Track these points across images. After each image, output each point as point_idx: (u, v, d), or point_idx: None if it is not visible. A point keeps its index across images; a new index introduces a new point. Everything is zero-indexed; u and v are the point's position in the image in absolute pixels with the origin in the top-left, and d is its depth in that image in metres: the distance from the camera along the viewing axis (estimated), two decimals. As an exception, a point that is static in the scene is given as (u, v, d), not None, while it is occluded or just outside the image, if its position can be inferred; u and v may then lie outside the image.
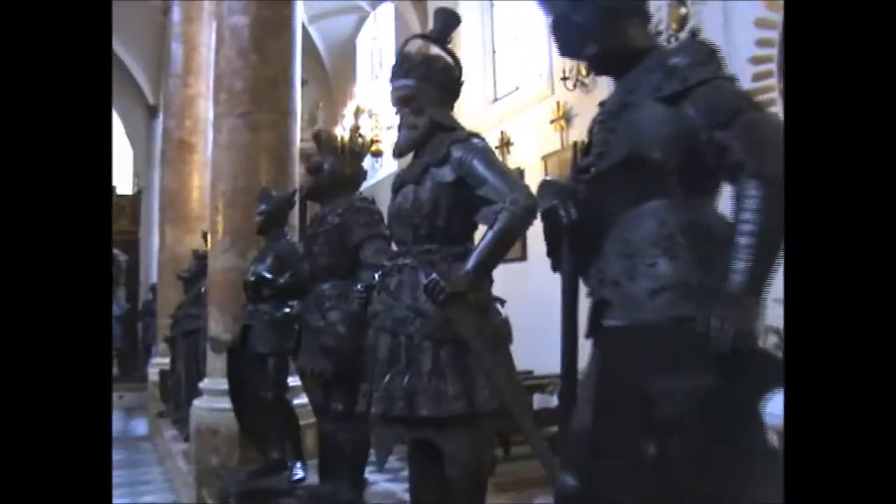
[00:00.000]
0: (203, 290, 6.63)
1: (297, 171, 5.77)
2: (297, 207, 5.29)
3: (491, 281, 2.73)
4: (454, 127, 2.86)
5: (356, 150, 3.89)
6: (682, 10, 6.56)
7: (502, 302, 2.76)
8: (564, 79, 8.16)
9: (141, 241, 17.82)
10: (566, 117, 8.25)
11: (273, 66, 5.74)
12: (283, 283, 4.49)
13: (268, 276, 4.54)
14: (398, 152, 2.91)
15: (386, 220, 2.92)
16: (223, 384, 5.13)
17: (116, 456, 8.12)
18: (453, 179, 2.71)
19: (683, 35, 6.49)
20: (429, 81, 2.84)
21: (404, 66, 2.86)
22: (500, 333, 2.71)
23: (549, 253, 2.03)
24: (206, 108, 9.68)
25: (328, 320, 3.68)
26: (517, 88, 9.50)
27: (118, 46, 15.48)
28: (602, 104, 2.07)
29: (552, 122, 8.37)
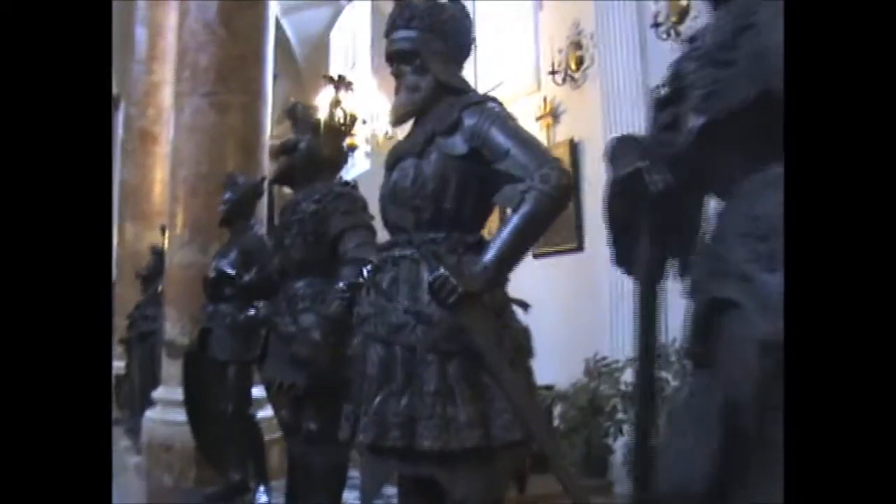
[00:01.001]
0: (161, 288, 6.19)
1: (267, 158, 5.27)
2: (264, 197, 4.80)
3: (506, 279, 2.20)
4: (464, 89, 2.35)
5: (337, 128, 3.36)
6: (683, 2, 6.27)
7: (524, 305, 2.22)
8: (553, 73, 7.76)
9: (101, 238, 17.23)
10: (553, 114, 7.82)
11: (242, 43, 5.26)
12: (248, 280, 4.02)
13: (230, 271, 4.05)
14: (395, 118, 2.38)
15: (378, 201, 2.38)
16: (179, 394, 4.63)
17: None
18: (466, 151, 2.18)
19: (684, 28, 6.24)
20: (435, 33, 2.32)
21: (405, 14, 2.33)
22: (520, 344, 2.18)
23: (617, 238, 1.50)
24: (171, 97, 9.24)
25: (301, 325, 3.14)
26: (501, 83, 9.03)
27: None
28: (692, 39, 1.55)
29: (538, 118, 7.90)
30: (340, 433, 2.26)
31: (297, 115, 3.45)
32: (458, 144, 2.20)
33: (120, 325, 9.68)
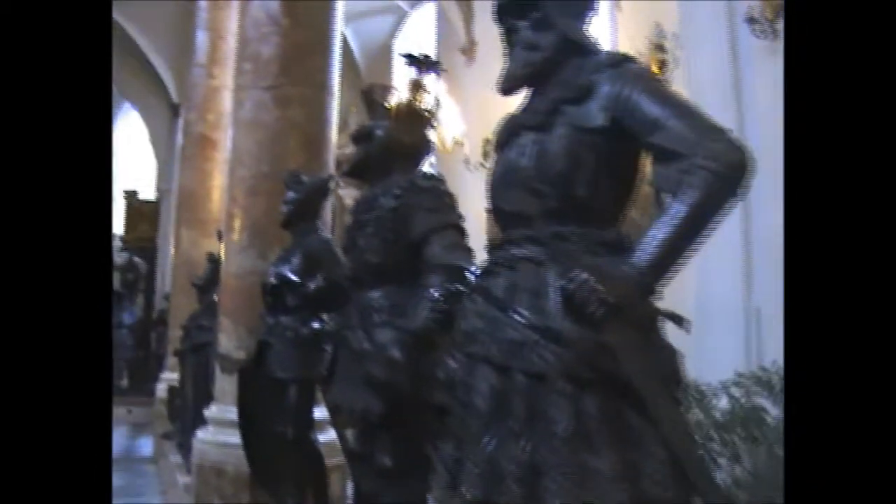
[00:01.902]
0: (216, 298, 5.84)
1: (333, 156, 4.87)
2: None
3: (663, 287, 1.72)
4: (593, 49, 1.89)
5: (420, 113, 2.91)
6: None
7: (680, 320, 1.72)
8: (633, 62, 7.36)
9: (160, 247, 17.29)
10: (637, 103, 7.42)
11: (307, 32, 4.88)
12: (314, 288, 3.63)
13: (294, 278, 3.64)
14: (508, 84, 1.92)
15: (487, 189, 1.92)
16: (233, 413, 4.24)
17: (116, 481, 7.35)
18: (603, 123, 1.72)
19: (779, 26, 5.82)
20: None
21: None
22: (670, 372, 1.69)
23: None
24: (231, 102, 9.03)
25: (377, 341, 2.68)
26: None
27: (141, 40, 14.85)
28: None
29: (621, 108, 7.55)
30: (435, 480, 1.78)
31: (374, 98, 3.00)
32: (592, 114, 1.74)
33: (174, 336, 9.48)
